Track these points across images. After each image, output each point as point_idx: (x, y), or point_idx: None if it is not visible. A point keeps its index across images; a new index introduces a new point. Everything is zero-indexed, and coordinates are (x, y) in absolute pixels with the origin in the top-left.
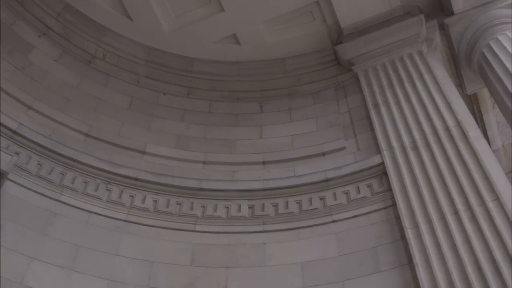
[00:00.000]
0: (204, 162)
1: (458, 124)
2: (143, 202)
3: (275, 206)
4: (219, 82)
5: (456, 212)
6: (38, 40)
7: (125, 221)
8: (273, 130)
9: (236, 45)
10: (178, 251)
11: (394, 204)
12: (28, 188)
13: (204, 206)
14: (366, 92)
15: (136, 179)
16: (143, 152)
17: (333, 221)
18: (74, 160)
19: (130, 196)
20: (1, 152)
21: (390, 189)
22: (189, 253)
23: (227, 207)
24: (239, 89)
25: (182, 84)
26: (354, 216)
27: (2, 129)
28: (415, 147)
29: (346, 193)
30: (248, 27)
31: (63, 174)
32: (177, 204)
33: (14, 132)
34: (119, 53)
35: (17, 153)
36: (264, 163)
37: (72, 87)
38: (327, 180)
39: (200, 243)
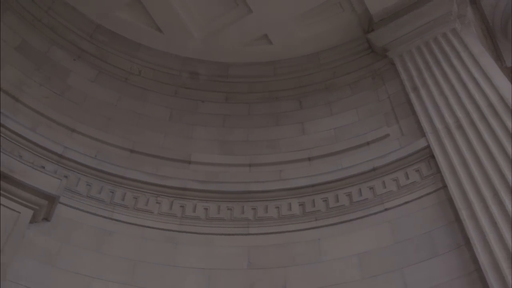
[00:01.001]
0: (250, 165)
1: (501, 98)
2: (194, 211)
3: (325, 200)
4: (255, 83)
5: (508, 187)
6: (74, 63)
7: (178, 231)
8: (315, 125)
9: (269, 45)
10: (234, 256)
11: (445, 186)
12: (80, 209)
13: (254, 209)
14: (403, 76)
15: (185, 189)
16: (189, 162)
17: (385, 210)
18: (122, 177)
19: (181, 206)
20: (51, 177)
21: (439, 171)
22: (245, 257)
23: (278, 207)
24: (277, 88)
25: (220, 90)
26: (406, 202)
27: (49, 154)
28: (460, 127)
29: (395, 180)
30: (278, 26)
31: (112, 192)
32: (228, 209)
33: (61, 156)
34: (154, 67)
35: (66, 176)
36: (309, 159)
37: (112, 106)
38: (374, 169)
39: (255, 245)
